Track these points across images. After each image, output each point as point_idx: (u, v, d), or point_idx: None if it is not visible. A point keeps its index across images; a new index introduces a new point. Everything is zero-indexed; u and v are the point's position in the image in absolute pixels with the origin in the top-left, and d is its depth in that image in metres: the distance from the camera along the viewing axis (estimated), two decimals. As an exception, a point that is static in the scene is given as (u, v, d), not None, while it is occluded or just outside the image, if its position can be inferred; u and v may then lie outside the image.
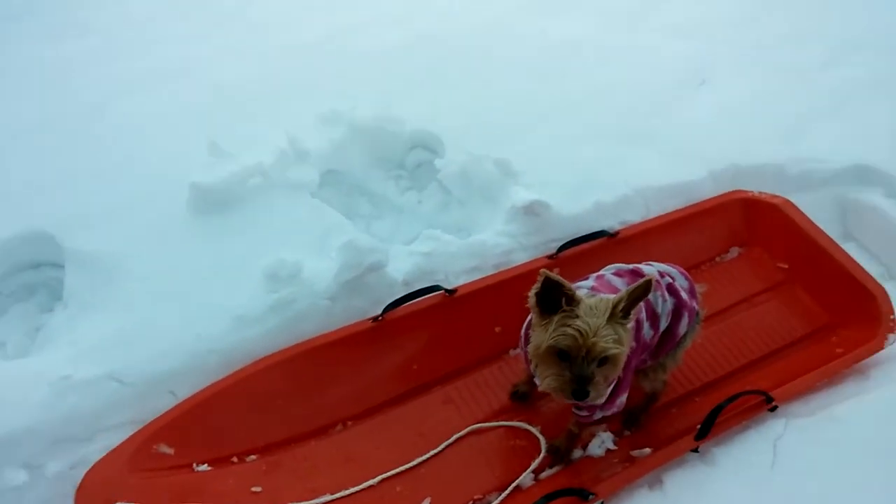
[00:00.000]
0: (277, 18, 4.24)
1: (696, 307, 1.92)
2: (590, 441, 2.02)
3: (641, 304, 1.80)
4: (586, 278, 1.91)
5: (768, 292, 2.55)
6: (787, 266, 2.61)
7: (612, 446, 1.94)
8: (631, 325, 1.65)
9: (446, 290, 2.29)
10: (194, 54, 3.75)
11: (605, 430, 2.04)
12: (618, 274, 1.89)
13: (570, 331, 1.57)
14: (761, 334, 2.38)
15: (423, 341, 2.25)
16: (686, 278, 1.96)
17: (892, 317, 2.22)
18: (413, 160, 3.39)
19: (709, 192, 2.90)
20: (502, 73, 3.76)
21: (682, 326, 1.90)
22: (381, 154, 3.35)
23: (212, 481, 1.83)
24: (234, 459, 1.94)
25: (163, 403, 1.96)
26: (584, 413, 1.84)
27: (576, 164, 3.03)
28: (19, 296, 2.46)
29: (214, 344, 2.10)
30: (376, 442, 2.03)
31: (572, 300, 1.59)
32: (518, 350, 2.32)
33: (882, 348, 2.14)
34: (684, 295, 1.89)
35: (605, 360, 1.60)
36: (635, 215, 2.77)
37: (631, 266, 1.92)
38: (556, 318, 1.60)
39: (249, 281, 2.28)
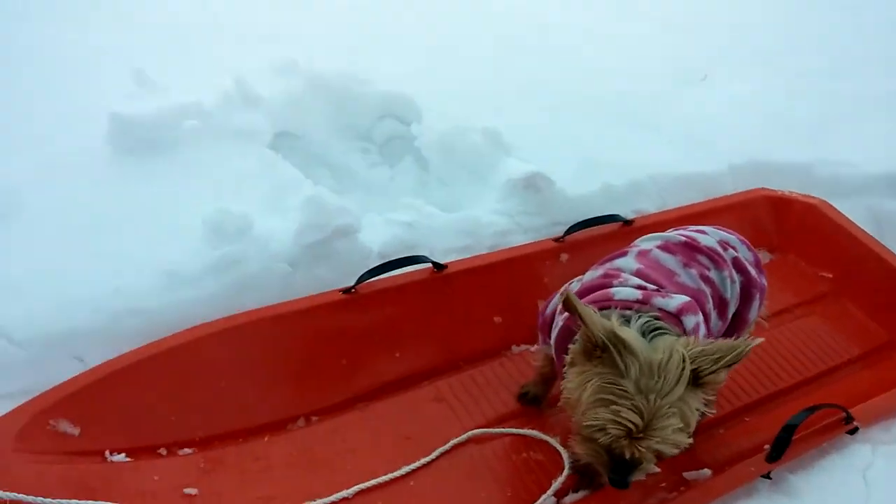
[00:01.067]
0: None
1: (765, 284, 1.77)
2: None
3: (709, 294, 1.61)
4: (624, 254, 1.70)
5: (809, 305, 2.44)
6: (831, 276, 2.52)
7: (653, 468, 1.71)
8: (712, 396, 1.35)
9: (435, 265, 2.08)
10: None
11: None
12: (667, 249, 1.67)
13: (611, 422, 1.25)
14: (808, 353, 2.24)
15: (408, 324, 2.04)
16: (749, 249, 1.78)
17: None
18: (383, 132, 3.20)
19: (729, 187, 2.84)
20: (487, 43, 3.67)
21: (753, 311, 1.72)
22: (346, 120, 3.15)
23: (130, 476, 1.53)
24: (163, 451, 1.65)
25: (67, 371, 1.64)
26: None
27: (577, 142, 2.94)
28: None
29: (137, 302, 1.82)
30: (350, 443, 1.78)
31: (620, 347, 1.28)
32: (523, 347, 2.13)
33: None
34: (752, 271, 1.71)
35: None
36: (650, 205, 2.66)
37: (682, 237, 1.70)
38: (592, 382, 1.29)
39: (185, 232, 2.03)
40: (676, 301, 1.47)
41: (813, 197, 2.69)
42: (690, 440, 1.29)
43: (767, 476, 1.71)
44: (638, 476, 1.35)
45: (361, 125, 3.20)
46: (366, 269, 2.04)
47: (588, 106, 3.24)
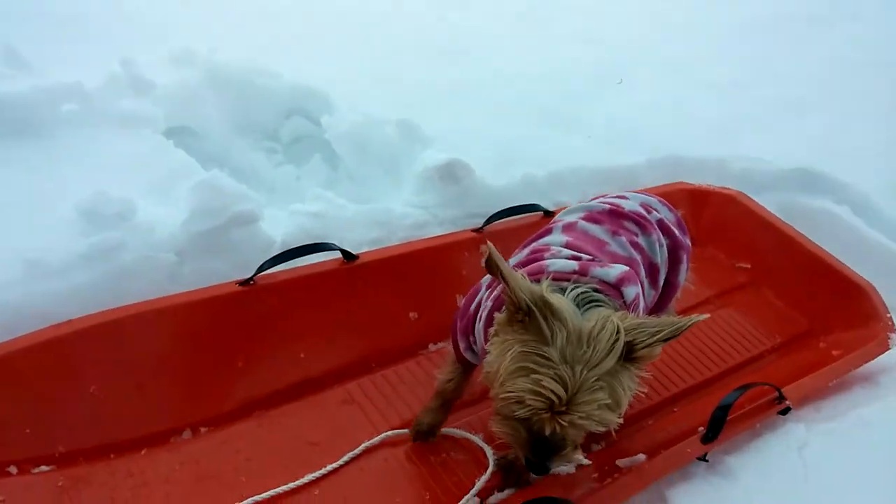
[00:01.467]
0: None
1: (689, 244, 1.66)
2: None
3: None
4: (549, 231, 1.57)
5: (728, 295, 2.39)
6: (749, 266, 2.47)
7: (583, 461, 1.55)
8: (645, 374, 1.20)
9: (345, 254, 1.89)
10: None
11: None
12: (592, 219, 1.55)
13: (531, 393, 1.09)
14: (731, 342, 2.17)
15: (314, 320, 1.83)
16: (671, 210, 1.68)
17: (888, 315, 2.10)
18: (290, 131, 3.02)
19: (648, 181, 2.76)
20: (403, 43, 3.53)
21: (682, 274, 1.61)
22: (249, 118, 2.95)
23: (-33, 497, 1.25)
24: (12, 469, 1.37)
25: None
26: None
27: (497, 138, 2.83)
28: None
29: (-9, 295, 1.53)
30: (246, 453, 1.56)
31: (546, 312, 1.12)
32: (441, 345, 1.95)
33: (888, 349, 1.99)
34: (677, 232, 1.61)
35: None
36: (571, 197, 2.54)
37: (605, 205, 1.58)
38: (513, 350, 1.13)
39: (54, 217, 1.78)
40: (616, 271, 1.34)
41: (730, 189, 2.65)
42: (619, 419, 1.14)
43: (704, 458, 1.61)
44: (561, 463, 1.19)
45: (267, 123, 3.00)
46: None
47: (507, 105, 3.17)
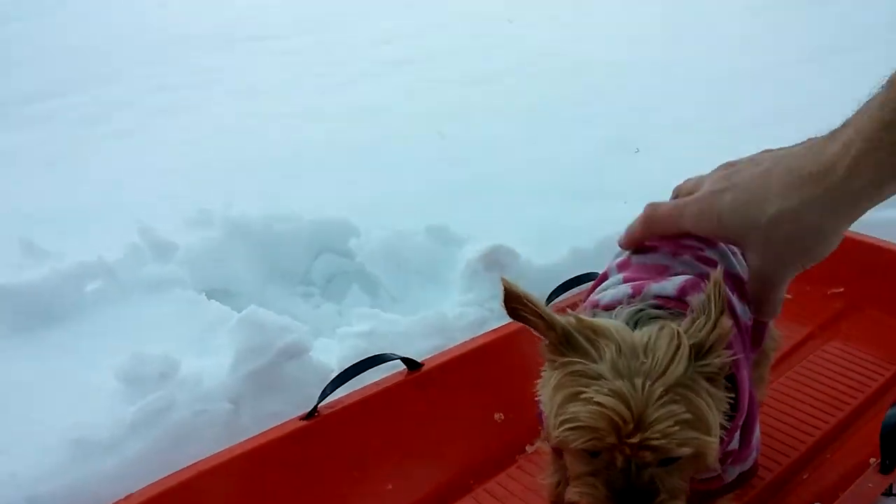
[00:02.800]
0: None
1: None
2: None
3: None
4: (605, 278, 1.35)
5: (831, 326, 2.14)
6: (842, 289, 2.25)
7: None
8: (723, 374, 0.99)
9: (406, 362, 1.75)
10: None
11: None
12: (645, 249, 1.33)
13: (586, 409, 0.89)
14: (846, 381, 1.89)
15: (392, 443, 1.66)
16: None
17: None
18: (322, 271, 2.93)
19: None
20: (406, 157, 3.55)
21: None
22: (278, 266, 2.88)
23: None
24: None
25: None
26: (701, 478, 1.18)
27: (531, 221, 2.75)
28: None
29: (34, 488, 1.39)
30: None
31: (588, 333, 0.96)
32: (539, 444, 1.75)
33: None
34: None
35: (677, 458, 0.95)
36: (627, 260, 2.40)
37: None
38: (557, 374, 0.97)
39: (94, 391, 1.65)
40: (675, 282, 1.15)
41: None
42: (713, 439, 0.91)
43: (890, 492, 1.35)
44: None
45: (297, 268, 2.92)
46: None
47: (531, 191, 3.11)
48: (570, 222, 2.62)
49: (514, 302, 0.99)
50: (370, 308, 2.59)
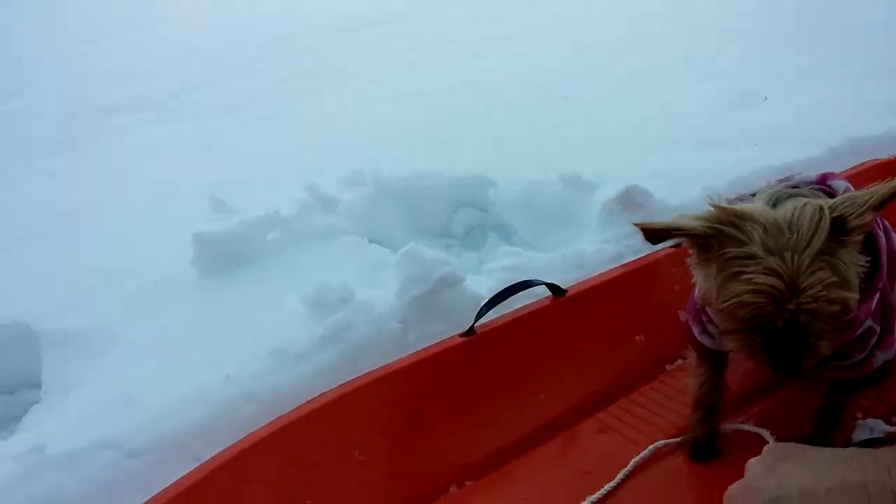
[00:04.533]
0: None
1: None
2: (850, 433, 1.41)
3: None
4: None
5: None
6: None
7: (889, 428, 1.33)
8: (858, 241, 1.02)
9: (551, 288, 1.83)
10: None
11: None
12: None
13: (748, 294, 0.98)
14: None
15: (543, 359, 1.75)
16: None
17: None
18: (462, 223, 3.06)
19: (838, 166, 2.55)
20: (536, 111, 3.61)
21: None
22: (422, 221, 3.03)
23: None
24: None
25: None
26: (849, 363, 1.25)
27: (662, 166, 2.76)
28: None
29: (252, 385, 1.60)
30: (523, 493, 1.48)
31: (733, 219, 1.01)
32: (678, 363, 1.81)
33: None
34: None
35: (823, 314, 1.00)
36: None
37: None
38: (716, 263, 1.03)
39: (287, 314, 1.86)
40: (815, 172, 1.22)
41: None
42: (855, 295, 0.99)
43: None
44: (813, 356, 1.03)
45: (438, 222, 3.07)
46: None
47: (660, 139, 3.11)
48: (702, 166, 2.62)
49: (656, 235, 1.06)
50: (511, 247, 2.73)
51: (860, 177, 2.35)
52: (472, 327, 1.72)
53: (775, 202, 1.08)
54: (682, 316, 1.55)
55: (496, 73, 4.46)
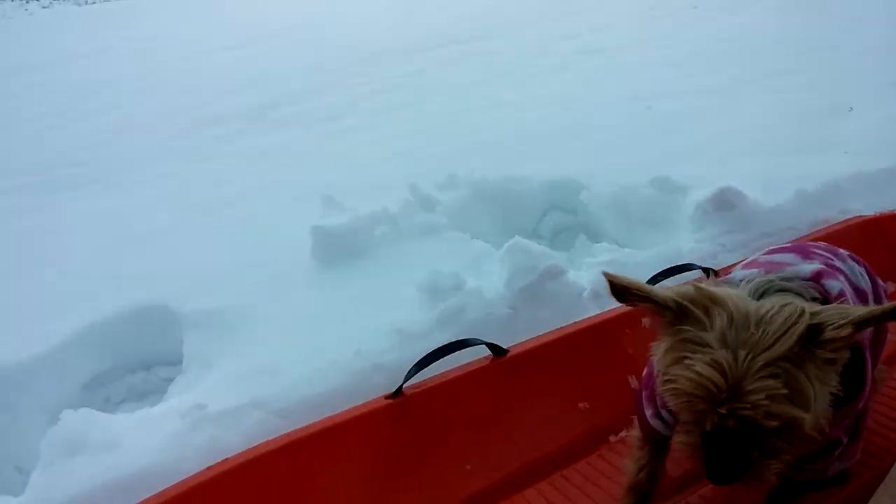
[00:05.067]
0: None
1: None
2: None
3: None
4: (728, 273, 1.31)
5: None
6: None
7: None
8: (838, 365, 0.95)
9: (492, 348, 1.68)
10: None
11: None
12: (775, 251, 1.29)
13: (684, 380, 0.91)
14: None
15: (473, 426, 1.64)
16: (858, 261, 1.33)
17: None
18: (550, 226, 3.16)
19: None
20: (617, 124, 3.69)
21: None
22: (512, 222, 3.14)
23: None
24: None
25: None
26: (805, 467, 1.16)
27: (751, 169, 2.80)
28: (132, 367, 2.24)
29: (379, 359, 1.75)
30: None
31: (705, 301, 0.95)
32: (623, 434, 1.65)
33: None
34: (879, 280, 1.34)
35: (776, 430, 0.91)
36: (856, 202, 2.39)
37: (790, 244, 1.36)
38: (667, 340, 0.98)
39: (404, 299, 2.02)
40: (810, 266, 1.12)
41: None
42: (808, 416, 0.88)
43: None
44: (754, 476, 0.93)
45: (528, 223, 3.18)
46: (580, 311, 1.91)
47: (747, 147, 3.14)
48: (792, 172, 2.65)
49: (622, 292, 0.98)
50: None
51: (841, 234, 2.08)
52: (399, 388, 1.58)
53: (762, 294, 1.02)
54: (634, 383, 1.55)
55: (582, 86, 4.56)
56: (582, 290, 2.07)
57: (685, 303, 0.95)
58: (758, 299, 0.99)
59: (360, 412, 1.54)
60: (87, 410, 1.65)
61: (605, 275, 0.99)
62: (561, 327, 1.79)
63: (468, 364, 1.66)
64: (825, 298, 1.07)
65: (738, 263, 1.45)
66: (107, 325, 2.23)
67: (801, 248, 1.27)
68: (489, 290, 1.99)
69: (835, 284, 1.10)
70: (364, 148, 3.78)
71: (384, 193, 2.79)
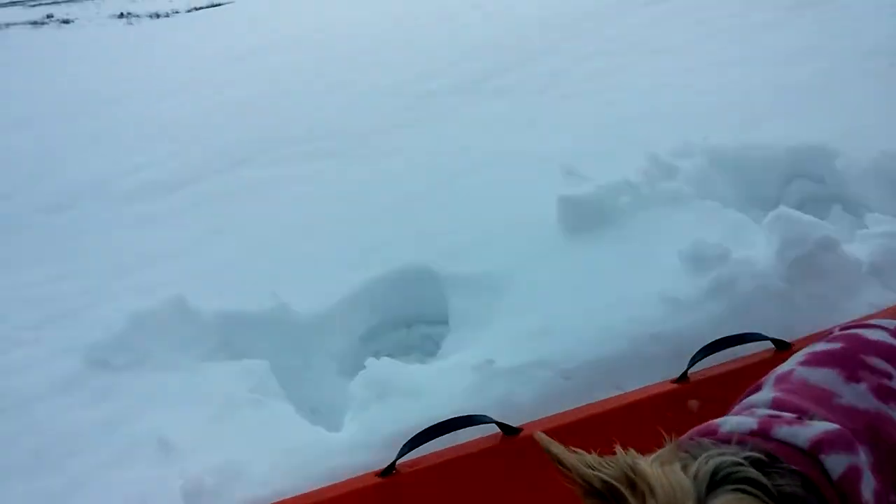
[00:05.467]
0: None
1: None
2: None
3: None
4: (758, 387, 1.10)
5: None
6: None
7: None
8: None
9: (502, 427, 1.54)
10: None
11: None
12: (815, 362, 1.06)
13: None
14: None
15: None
16: None
17: None
18: (794, 195, 2.96)
19: None
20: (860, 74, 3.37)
21: None
22: (752, 191, 3.00)
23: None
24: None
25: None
26: None
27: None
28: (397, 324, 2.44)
29: (653, 328, 1.78)
30: None
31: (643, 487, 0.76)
32: None
33: None
34: None
35: None
36: None
37: (839, 337, 1.11)
38: None
39: (669, 269, 2.01)
40: (813, 430, 0.90)
41: None
42: None
43: None
44: None
45: (769, 193, 3.02)
46: (861, 286, 1.83)
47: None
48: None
49: (554, 458, 0.83)
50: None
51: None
52: (392, 464, 1.44)
53: (720, 481, 0.78)
54: None
55: (817, 39, 4.19)
56: (860, 264, 1.95)
57: (614, 483, 0.78)
58: (706, 494, 0.78)
59: (347, 489, 1.38)
60: (389, 360, 1.83)
61: (537, 436, 0.86)
62: (587, 404, 1.59)
63: (474, 441, 1.50)
64: (825, 478, 0.86)
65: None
66: (377, 286, 2.44)
67: (846, 358, 1.04)
68: (760, 261, 1.94)
69: (837, 461, 0.88)
70: (586, 114, 3.77)
71: (620, 162, 2.78)
